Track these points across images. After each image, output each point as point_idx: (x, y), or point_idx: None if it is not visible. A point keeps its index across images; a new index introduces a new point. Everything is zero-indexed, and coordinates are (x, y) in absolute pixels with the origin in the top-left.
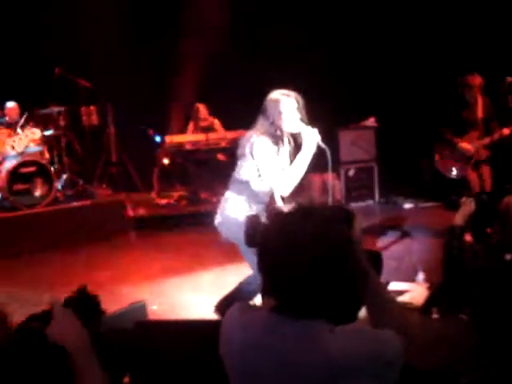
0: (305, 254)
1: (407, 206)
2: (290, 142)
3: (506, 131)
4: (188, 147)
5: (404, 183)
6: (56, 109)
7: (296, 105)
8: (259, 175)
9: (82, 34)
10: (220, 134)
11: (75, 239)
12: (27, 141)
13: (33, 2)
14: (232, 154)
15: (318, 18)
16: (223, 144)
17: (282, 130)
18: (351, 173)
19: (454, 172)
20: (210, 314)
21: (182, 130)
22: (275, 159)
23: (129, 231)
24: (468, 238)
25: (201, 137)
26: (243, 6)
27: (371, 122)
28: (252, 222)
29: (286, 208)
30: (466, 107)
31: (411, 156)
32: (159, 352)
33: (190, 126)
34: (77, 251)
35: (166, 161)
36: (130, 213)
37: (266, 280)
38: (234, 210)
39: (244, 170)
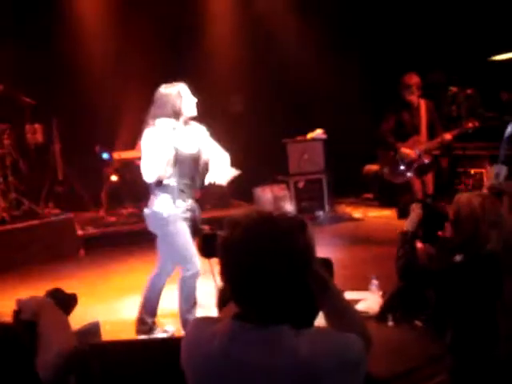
0: (267, 262)
1: (357, 215)
2: (186, 126)
3: (447, 136)
4: (137, 163)
5: (353, 193)
6: (0, 127)
7: (189, 91)
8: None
9: (24, 50)
10: None
11: (23, 260)
12: None
13: None
14: None
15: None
16: None
17: (178, 117)
18: (301, 184)
19: (403, 174)
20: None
21: (130, 146)
22: (158, 149)
23: (78, 250)
24: (419, 244)
25: None
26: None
27: (319, 134)
28: (207, 235)
29: (240, 217)
30: (406, 109)
31: (360, 166)
32: (115, 373)
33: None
34: (25, 273)
35: (114, 177)
36: (79, 232)
37: (230, 288)
38: (159, 205)
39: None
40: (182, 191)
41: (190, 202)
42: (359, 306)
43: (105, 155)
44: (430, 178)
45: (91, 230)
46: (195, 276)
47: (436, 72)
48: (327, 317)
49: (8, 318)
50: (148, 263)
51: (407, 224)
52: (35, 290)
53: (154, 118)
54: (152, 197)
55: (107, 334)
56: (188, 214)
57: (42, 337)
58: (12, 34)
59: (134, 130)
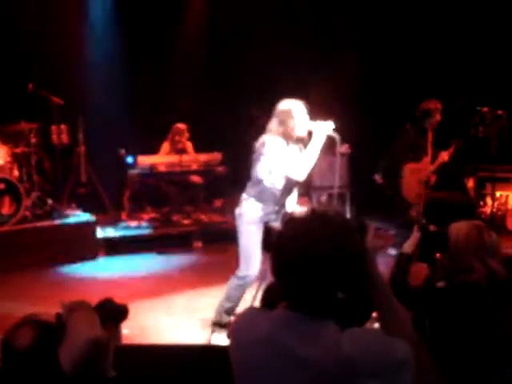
0: (318, 257)
1: (378, 233)
2: (302, 143)
3: (445, 157)
4: (161, 169)
5: (375, 210)
6: (27, 126)
7: (305, 110)
8: (270, 171)
9: (55, 49)
10: (193, 156)
11: (43, 259)
12: None
13: (5, 18)
14: (206, 176)
15: (297, 41)
16: (196, 166)
17: (293, 133)
18: (323, 198)
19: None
20: (183, 338)
21: (154, 151)
22: (286, 153)
23: (97, 253)
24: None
25: (174, 158)
26: (223, 31)
27: (344, 148)
28: (267, 229)
29: (299, 213)
30: (423, 134)
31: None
32: (136, 378)
33: (165, 146)
34: (44, 272)
35: (135, 182)
36: (100, 234)
37: (280, 282)
38: (246, 208)
39: (258, 169)
40: (273, 198)
41: (277, 208)
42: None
43: (129, 159)
44: None
45: (112, 233)
46: (243, 280)
47: (461, 98)
48: (379, 318)
49: (50, 317)
50: (167, 268)
51: (405, 245)
52: (53, 289)
53: (270, 130)
54: (243, 199)
55: (125, 339)
56: (265, 219)
57: (69, 328)
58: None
59: (158, 136)
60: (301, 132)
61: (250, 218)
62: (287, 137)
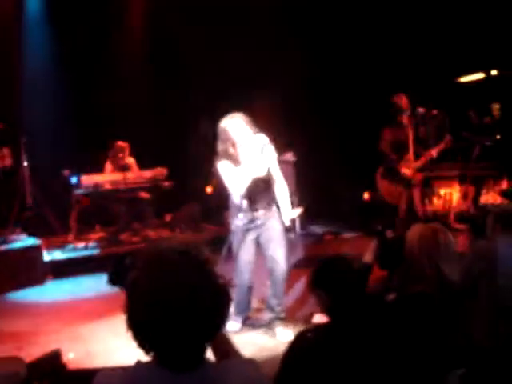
0: (178, 306)
1: (328, 237)
2: (252, 151)
3: (433, 153)
4: (107, 187)
5: (324, 215)
6: None
7: (244, 123)
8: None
9: None
10: (137, 173)
11: None
12: None
13: None
14: (153, 191)
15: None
16: (142, 182)
17: (234, 153)
18: None
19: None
20: (130, 359)
21: (98, 170)
22: (232, 171)
23: (46, 276)
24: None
25: (118, 176)
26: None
27: (289, 156)
28: (117, 261)
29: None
30: (395, 127)
31: (330, 188)
32: None
33: (108, 165)
34: None
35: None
36: (47, 257)
37: (135, 333)
38: (232, 219)
39: None
40: (246, 206)
41: (253, 216)
42: None
43: (73, 179)
44: (418, 196)
45: (59, 256)
46: (238, 284)
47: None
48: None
49: None
50: (115, 289)
51: (366, 254)
52: (2, 316)
53: (219, 152)
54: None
55: (71, 362)
56: (251, 226)
57: None
58: None
59: (102, 154)
60: (245, 144)
61: (235, 227)
62: (230, 156)
